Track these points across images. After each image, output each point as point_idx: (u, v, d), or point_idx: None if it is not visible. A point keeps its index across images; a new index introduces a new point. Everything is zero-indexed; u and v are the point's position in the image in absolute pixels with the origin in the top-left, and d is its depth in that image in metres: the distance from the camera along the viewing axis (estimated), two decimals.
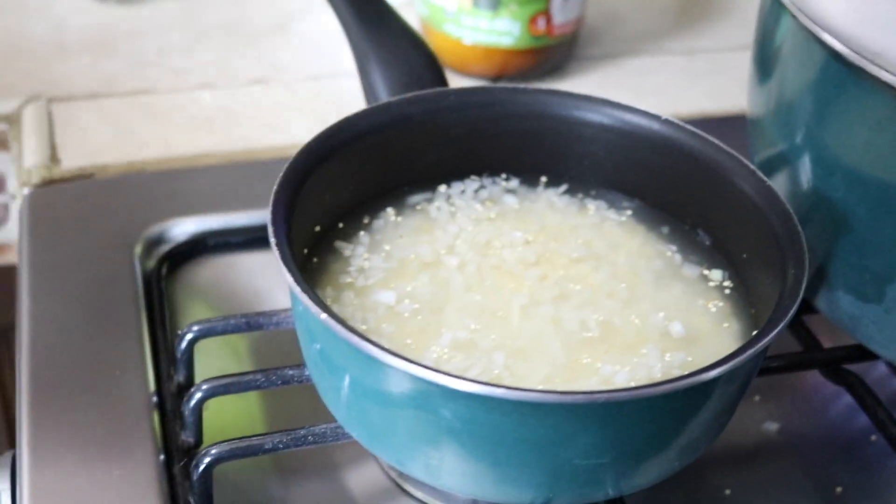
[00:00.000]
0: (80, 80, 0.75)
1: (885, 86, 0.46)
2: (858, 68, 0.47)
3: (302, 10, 0.86)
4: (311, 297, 0.43)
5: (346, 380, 0.45)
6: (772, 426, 0.58)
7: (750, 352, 0.42)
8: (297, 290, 0.43)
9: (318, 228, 0.52)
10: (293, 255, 0.45)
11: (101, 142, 0.69)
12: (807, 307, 0.57)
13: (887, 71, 0.46)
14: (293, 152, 0.63)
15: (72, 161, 0.67)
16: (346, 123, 0.53)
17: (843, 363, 0.56)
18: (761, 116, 0.58)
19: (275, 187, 0.48)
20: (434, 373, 0.40)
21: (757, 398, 0.59)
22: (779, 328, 0.43)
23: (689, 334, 0.49)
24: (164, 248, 0.62)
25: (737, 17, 0.91)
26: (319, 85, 0.78)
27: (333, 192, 0.53)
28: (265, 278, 0.63)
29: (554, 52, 0.79)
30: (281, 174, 0.49)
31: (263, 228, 0.62)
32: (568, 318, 0.49)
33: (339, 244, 0.52)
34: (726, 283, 0.52)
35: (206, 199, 0.65)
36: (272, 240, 0.45)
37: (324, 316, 0.42)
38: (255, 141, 0.71)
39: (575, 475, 0.43)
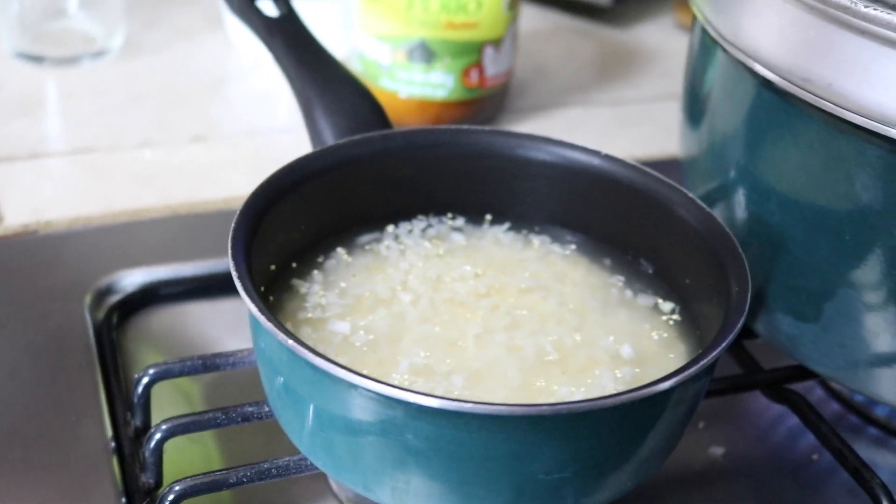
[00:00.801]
0: (20, 141, 0.76)
1: (815, 109, 0.49)
2: (789, 94, 0.50)
3: (235, 71, 0.88)
4: (276, 326, 0.44)
5: (311, 410, 0.46)
6: (717, 450, 0.59)
7: (703, 362, 0.44)
8: (262, 319, 0.44)
9: (273, 267, 0.53)
10: (255, 289, 0.46)
11: (43, 199, 0.70)
12: (747, 332, 0.59)
13: (816, 95, 0.48)
14: (236, 204, 0.64)
15: (15, 218, 0.68)
16: (297, 164, 0.54)
17: (784, 383, 0.58)
18: (695, 155, 0.60)
19: (232, 225, 0.49)
20: (403, 391, 0.41)
21: (701, 424, 0.61)
22: (729, 338, 0.45)
23: (639, 356, 0.51)
24: (114, 299, 0.63)
25: (658, 69, 0.94)
26: (258, 140, 0.79)
27: (287, 232, 0.54)
28: (215, 326, 0.63)
29: (486, 104, 0.81)
30: (237, 213, 0.50)
31: (211, 278, 0.65)
32: (521, 344, 0.51)
33: (295, 282, 0.53)
34: (671, 309, 0.54)
35: (153, 250, 0.66)
36: (234, 273, 0.46)
37: (291, 342, 0.43)
38: (197, 195, 0.72)
39: (538, 491, 0.44)
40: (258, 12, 0.66)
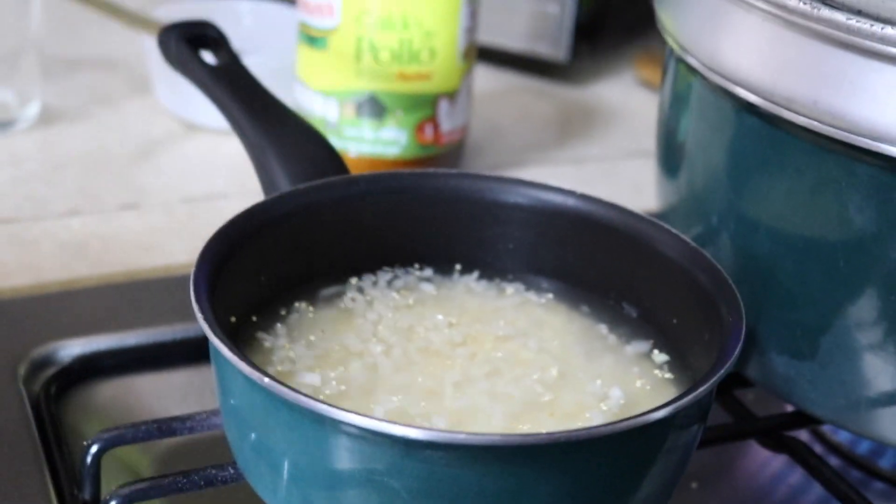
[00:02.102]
0: None
1: (801, 130, 0.53)
2: (773, 116, 0.54)
3: (165, 136, 0.91)
4: (250, 365, 0.46)
5: (286, 466, 0.48)
6: None
7: (702, 388, 0.47)
8: (234, 358, 0.47)
9: (233, 319, 0.56)
10: (224, 333, 0.49)
11: None
12: (738, 381, 0.63)
13: (802, 115, 0.53)
14: (175, 272, 0.67)
15: None
16: (255, 210, 0.57)
17: (780, 430, 0.61)
18: (674, 203, 0.64)
19: (192, 271, 0.52)
20: (390, 424, 0.44)
21: (694, 485, 0.64)
22: (728, 364, 0.48)
23: (629, 399, 0.54)
24: (50, 371, 0.65)
25: (621, 127, 0.99)
26: (193, 207, 0.82)
27: (246, 283, 0.57)
28: (163, 398, 0.66)
29: (442, 163, 0.85)
30: (196, 259, 0.53)
31: (156, 347, 0.67)
32: (504, 391, 0.54)
33: (259, 335, 0.56)
34: (659, 353, 0.58)
35: (90, 320, 0.68)
36: (199, 316, 0.49)
37: (267, 380, 0.46)
38: (132, 264, 0.75)
39: None
40: (200, 61, 0.69)
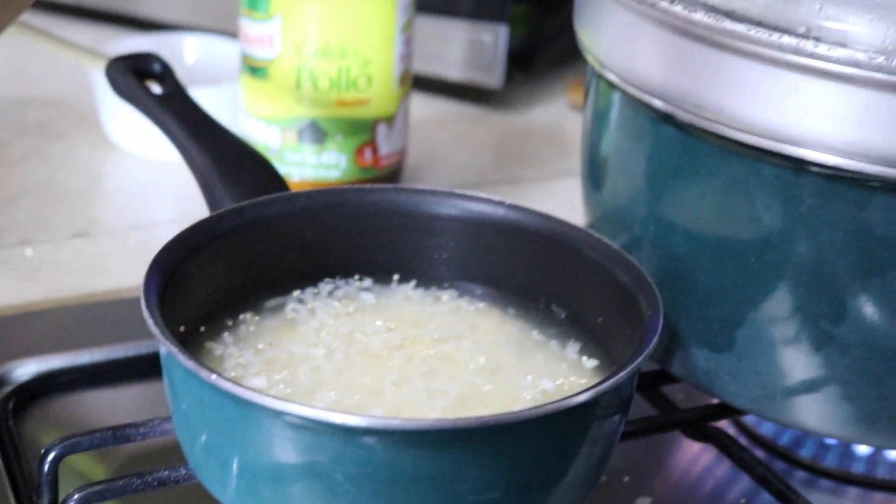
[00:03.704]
0: None
1: (710, 135, 0.57)
2: (685, 124, 0.58)
3: (113, 167, 0.94)
4: (197, 364, 0.49)
5: (235, 463, 0.52)
6: (644, 501, 0.66)
7: (623, 372, 0.51)
8: (182, 357, 0.50)
9: (182, 328, 0.59)
10: (173, 335, 0.52)
11: None
12: (663, 377, 0.66)
13: (710, 120, 0.57)
14: (126, 294, 0.70)
15: None
16: (200, 225, 0.60)
17: (704, 422, 0.65)
18: (599, 214, 0.68)
19: (143, 280, 0.55)
20: (328, 412, 0.47)
21: (626, 478, 0.67)
22: (647, 349, 0.52)
23: (559, 392, 0.58)
24: (7, 389, 0.67)
25: (555, 149, 1.03)
26: (143, 234, 0.85)
27: (193, 294, 0.60)
28: (116, 412, 0.69)
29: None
30: (146, 270, 0.56)
31: (109, 364, 0.70)
32: (441, 388, 0.57)
33: (208, 344, 0.59)
34: (586, 350, 0.61)
35: (45, 341, 0.71)
36: (149, 320, 0.52)
37: (214, 377, 0.49)
38: (84, 288, 0.78)
39: None
40: (147, 91, 0.73)
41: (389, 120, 0.87)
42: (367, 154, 0.86)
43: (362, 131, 0.85)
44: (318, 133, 0.85)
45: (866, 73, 0.52)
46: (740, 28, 0.55)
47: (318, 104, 0.84)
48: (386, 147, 0.87)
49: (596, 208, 0.69)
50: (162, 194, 0.91)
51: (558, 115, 1.10)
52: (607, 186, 0.67)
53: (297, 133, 0.85)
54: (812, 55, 0.53)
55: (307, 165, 0.85)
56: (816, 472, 0.68)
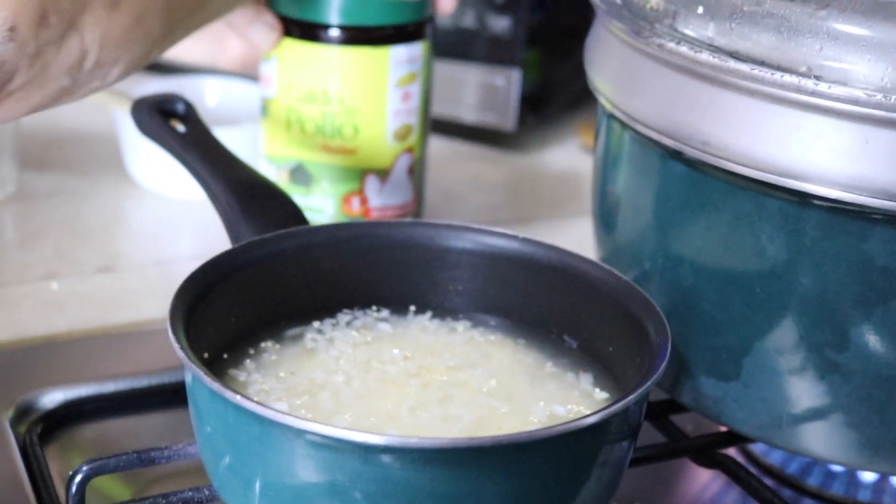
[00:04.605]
0: None
1: (717, 170, 0.59)
2: (693, 160, 0.60)
3: (136, 205, 0.97)
4: (223, 386, 0.51)
5: (258, 483, 0.53)
6: None
7: (629, 398, 0.53)
8: (213, 384, 0.52)
9: (206, 355, 0.61)
10: (199, 360, 0.54)
11: None
12: (673, 406, 0.68)
13: (716, 156, 0.59)
14: (149, 326, 0.72)
15: None
16: (224, 257, 0.63)
17: (712, 448, 0.66)
18: (610, 251, 0.70)
19: (169, 308, 0.57)
20: (349, 431, 0.49)
21: None
22: (656, 375, 0.54)
23: (570, 416, 0.59)
24: (35, 416, 0.69)
25: (567, 189, 1.05)
26: (165, 268, 0.87)
27: (217, 323, 0.62)
28: (141, 439, 0.70)
29: None
30: (172, 298, 0.58)
31: (131, 394, 0.72)
32: (456, 413, 0.59)
33: (231, 371, 0.61)
34: (597, 379, 0.63)
35: (71, 370, 0.73)
36: (175, 345, 0.54)
37: (238, 398, 0.51)
38: (108, 320, 0.80)
39: None
40: (171, 129, 0.75)
41: (381, 172, 0.86)
42: (356, 204, 0.86)
43: (349, 180, 0.85)
44: (305, 175, 0.85)
45: (865, 110, 0.54)
46: (744, 67, 0.57)
47: (304, 146, 0.85)
48: (378, 200, 0.86)
49: (607, 244, 0.71)
50: (183, 231, 0.93)
51: (569, 157, 1.12)
52: (618, 221, 0.69)
53: (289, 173, 0.85)
54: (813, 93, 0.55)
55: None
56: (824, 499, 0.70)
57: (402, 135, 0.86)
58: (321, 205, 0.86)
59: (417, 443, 0.49)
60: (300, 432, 0.50)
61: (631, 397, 0.53)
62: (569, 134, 1.16)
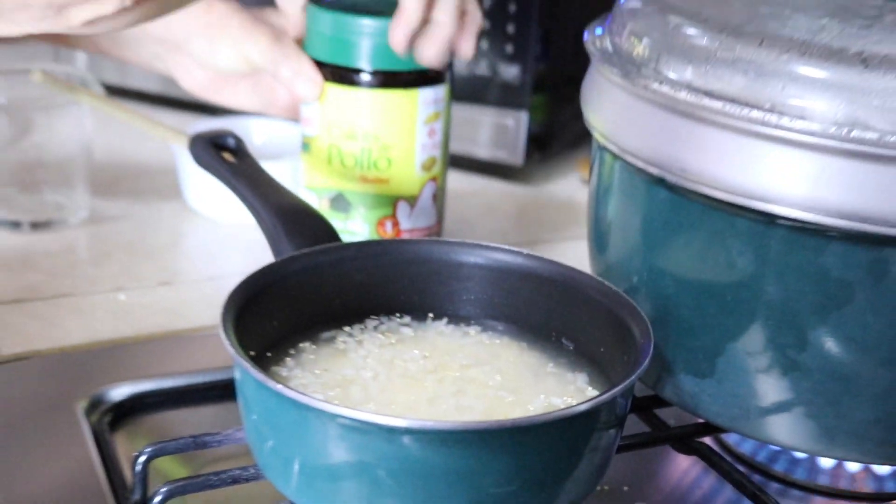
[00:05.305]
0: (4, 291, 0.85)
1: (694, 194, 0.60)
2: (673, 186, 0.61)
3: (192, 229, 0.98)
4: (266, 377, 0.53)
5: (297, 463, 0.55)
6: None
7: (616, 389, 0.54)
8: (253, 372, 0.53)
9: (252, 353, 0.62)
10: (248, 359, 0.55)
11: (32, 334, 0.79)
12: (657, 401, 0.69)
13: (693, 181, 0.60)
14: (204, 331, 0.74)
15: (9, 349, 0.76)
16: (268, 269, 0.64)
17: (691, 437, 0.67)
18: (603, 268, 0.71)
19: (220, 311, 0.59)
20: (376, 415, 0.51)
21: (626, 488, 0.70)
22: (639, 370, 0.55)
23: (566, 405, 0.61)
24: (105, 407, 0.71)
25: (568, 217, 1.06)
26: (216, 283, 0.89)
27: (262, 326, 0.63)
28: (196, 428, 0.72)
29: None
30: (223, 303, 0.59)
31: (187, 389, 0.73)
32: (467, 405, 0.60)
33: (274, 368, 0.63)
34: (590, 376, 0.64)
35: (136, 368, 0.75)
36: (226, 342, 0.56)
37: (279, 386, 0.52)
38: (168, 327, 0.82)
39: None
40: (223, 161, 0.77)
41: (410, 199, 0.87)
42: (388, 226, 0.87)
43: (383, 206, 0.87)
44: (344, 203, 0.87)
45: (821, 142, 0.56)
46: (717, 105, 0.58)
47: (343, 178, 0.86)
48: (407, 223, 0.88)
49: (600, 260, 0.72)
50: (232, 251, 0.95)
51: (570, 189, 1.13)
52: (609, 240, 0.70)
53: (329, 201, 0.87)
54: (777, 126, 0.57)
55: (337, 230, 0.87)
56: (788, 483, 0.70)
57: (428, 166, 0.87)
58: (359, 228, 0.87)
59: (434, 425, 0.50)
60: (333, 417, 0.51)
61: (617, 389, 0.54)
62: (569, 169, 1.17)
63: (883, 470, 0.70)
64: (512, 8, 1.07)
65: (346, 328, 0.67)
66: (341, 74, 0.85)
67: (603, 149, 0.69)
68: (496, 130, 1.11)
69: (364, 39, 0.84)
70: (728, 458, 0.66)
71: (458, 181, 1.10)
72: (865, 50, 0.56)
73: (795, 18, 0.59)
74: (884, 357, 0.59)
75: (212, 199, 0.98)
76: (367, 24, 0.84)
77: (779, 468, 0.71)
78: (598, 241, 0.72)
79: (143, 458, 0.62)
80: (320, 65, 0.85)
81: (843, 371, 0.60)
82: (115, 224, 0.98)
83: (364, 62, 0.84)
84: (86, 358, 0.76)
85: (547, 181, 1.15)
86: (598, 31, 0.69)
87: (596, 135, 0.69)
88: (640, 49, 0.64)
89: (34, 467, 0.65)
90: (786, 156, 0.57)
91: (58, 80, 0.93)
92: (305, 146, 0.88)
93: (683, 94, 0.60)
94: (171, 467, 0.67)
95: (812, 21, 0.59)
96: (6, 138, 0.94)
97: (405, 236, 0.88)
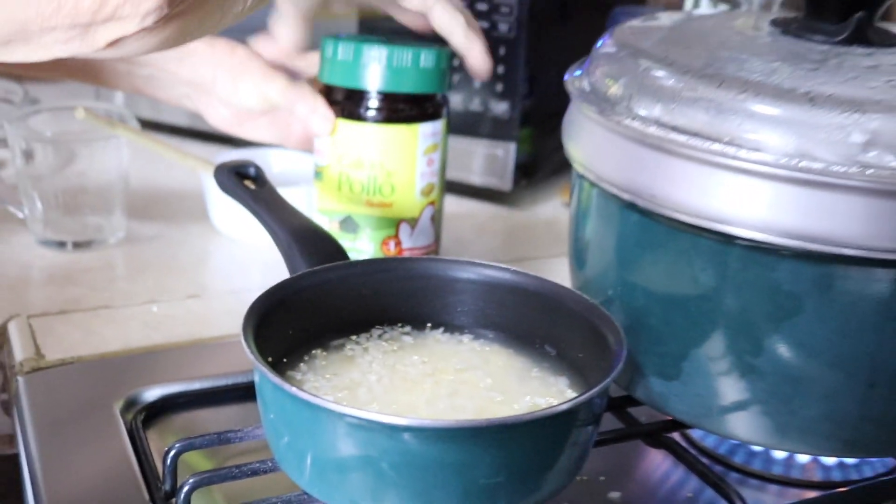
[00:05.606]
0: (50, 302, 0.85)
1: (662, 217, 0.61)
2: (643, 210, 0.62)
3: (218, 249, 0.99)
4: (283, 380, 0.53)
5: (309, 456, 0.55)
6: (615, 495, 0.68)
7: (593, 391, 0.54)
8: (270, 375, 0.53)
9: (270, 359, 0.62)
10: (266, 364, 0.56)
11: (74, 341, 0.79)
12: (630, 401, 0.69)
13: (661, 205, 0.60)
14: (229, 339, 0.74)
15: (54, 355, 0.77)
16: (284, 284, 0.64)
17: (660, 433, 0.68)
18: (581, 283, 0.71)
19: (242, 322, 0.59)
20: (379, 414, 0.51)
21: (602, 478, 0.70)
22: (613, 373, 0.55)
23: (549, 405, 0.61)
24: (139, 406, 0.71)
25: (551, 237, 1.06)
26: (240, 297, 0.89)
27: (278, 335, 0.63)
28: (220, 425, 0.72)
29: None
30: (244, 314, 0.60)
31: (213, 391, 0.74)
32: (461, 404, 0.60)
33: (290, 372, 0.63)
34: (570, 380, 0.64)
35: (167, 372, 0.75)
36: (247, 349, 0.56)
37: (294, 389, 0.52)
38: (196, 335, 0.82)
39: (481, 493, 0.53)
40: (245, 187, 0.77)
41: (411, 221, 0.87)
42: (392, 245, 0.87)
43: (387, 227, 0.87)
44: (352, 225, 0.87)
45: (774, 171, 0.56)
46: (682, 138, 0.59)
47: (352, 202, 0.86)
48: (408, 242, 0.88)
49: (579, 275, 0.73)
50: (252, 268, 0.95)
51: (554, 212, 1.14)
52: (587, 258, 0.71)
53: (339, 223, 0.87)
54: (735, 157, 0.57)
55: (346, 249, 0.87)
56: (746, 473, 0.70)
57: (427, 191, 0.88)
58: (365, 247, 0.87)
59: (431, 424, 0.51)
60: (342, 416, 0.52)
61: (594, 391, 0.55)
62: (552, 194, 1.18)
63: (829, 461, 0.70)
64: (502, 51, 1.08)
65: (354, 337, 0.67)
66: (350, 111, 0.85)
67: (582, 177, 0.69)
68: (488, 160, 1.11)
69: (374, 64, 0.84)
70: (693, 451, 0.66)
71: (453, 204, 1.10)
72: (812, 90, 0.57)
73: (751, 62, 0.60)
74: (830, 361, 0.59)
75: (235, 222, 0.99)
76: (377, 51, 0.83)
77: (738, 460, 0.71)
78: (578, 258, 0.72)
79: (172, 453, 0.62)
80: (332, 102, 0.86)
81: (794, 373, 0.60)
82: (149, 244, 0.98)
83: (373, 100, 0.84)
84: (122, 363, 0.76)
85: (533, 205, 1.15)
86: (578, 72, 0.69)
87: (575, 164, 0.70)
88: (615, 89, 0.64)
89: (77, 460, 0.65)
90: (743, 183, 0.58)
91: (98, 116, 0.94)
92: (318, 174, 0.89)
93: (652, 129, 0.60)
94: (198, 461, 0.67)
95: (765, 64, 0.59)
96: (53, 168, 0.95)
97: (406, 254, 0.88)
